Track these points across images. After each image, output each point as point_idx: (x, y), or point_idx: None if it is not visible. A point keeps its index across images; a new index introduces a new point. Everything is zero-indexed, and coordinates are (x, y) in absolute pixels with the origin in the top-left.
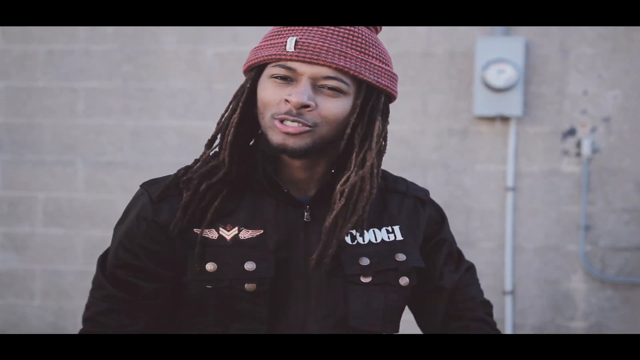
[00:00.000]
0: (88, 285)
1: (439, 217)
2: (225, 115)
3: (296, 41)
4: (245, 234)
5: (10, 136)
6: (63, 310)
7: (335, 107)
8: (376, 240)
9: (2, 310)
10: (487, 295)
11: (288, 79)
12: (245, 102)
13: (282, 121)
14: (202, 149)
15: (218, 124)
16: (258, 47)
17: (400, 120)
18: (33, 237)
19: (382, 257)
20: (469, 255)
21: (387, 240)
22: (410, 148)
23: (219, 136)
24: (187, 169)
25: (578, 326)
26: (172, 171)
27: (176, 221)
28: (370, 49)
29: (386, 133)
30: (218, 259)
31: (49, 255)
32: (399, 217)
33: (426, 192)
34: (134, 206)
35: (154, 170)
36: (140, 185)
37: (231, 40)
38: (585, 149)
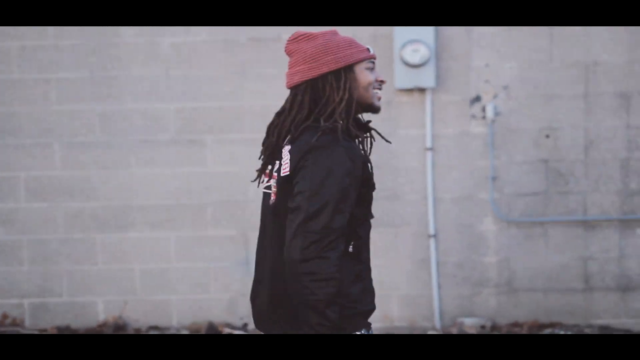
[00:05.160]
0: (70, 251)
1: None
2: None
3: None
4: None
5: None
6: (49, 273)
7: None
8: None
9: None
10: (415, 239)
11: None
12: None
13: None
14: (164, 128)
15: (333, 101)
16: (346, 53)
17: None
18: (18, 211)
19: None
20: (397, 207)
21: None
22: None
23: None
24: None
25: (491, 261)
26: (139, 149)
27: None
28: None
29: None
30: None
31: (33, 227)
32: None
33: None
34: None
35: (122, 148)
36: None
37: (184, 32)
38: (489, 112)
